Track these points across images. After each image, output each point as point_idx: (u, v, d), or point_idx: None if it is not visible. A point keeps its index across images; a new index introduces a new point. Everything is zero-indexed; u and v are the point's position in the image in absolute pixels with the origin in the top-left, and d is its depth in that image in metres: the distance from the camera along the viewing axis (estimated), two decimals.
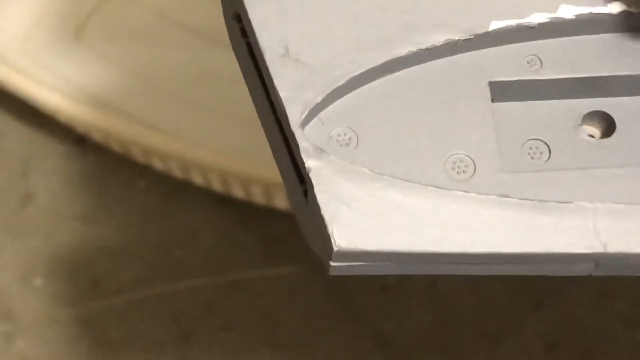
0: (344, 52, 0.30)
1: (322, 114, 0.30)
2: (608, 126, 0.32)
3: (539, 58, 0.32)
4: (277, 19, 0.30)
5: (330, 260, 0.29)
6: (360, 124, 0.30)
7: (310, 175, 0.29)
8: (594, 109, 0.32)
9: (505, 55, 0.32)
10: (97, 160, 0.74)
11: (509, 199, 0.30)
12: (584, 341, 0.62)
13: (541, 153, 0.31)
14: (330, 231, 0.29)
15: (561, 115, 0.32)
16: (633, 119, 0.32)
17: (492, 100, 0.32)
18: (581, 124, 0.32)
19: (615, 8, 0.32)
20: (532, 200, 0.30)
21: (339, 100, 0.30)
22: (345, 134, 0.30)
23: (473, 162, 0.30)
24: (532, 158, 0.31)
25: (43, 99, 0.69)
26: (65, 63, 0.71)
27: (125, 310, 0.72)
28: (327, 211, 0.29)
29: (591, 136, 0.32)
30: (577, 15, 0.31)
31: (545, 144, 0.32)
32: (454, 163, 0.30)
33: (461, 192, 0.30)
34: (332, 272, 0.29)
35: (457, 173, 0.30)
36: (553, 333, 0.63)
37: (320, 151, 0.29)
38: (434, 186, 0.30)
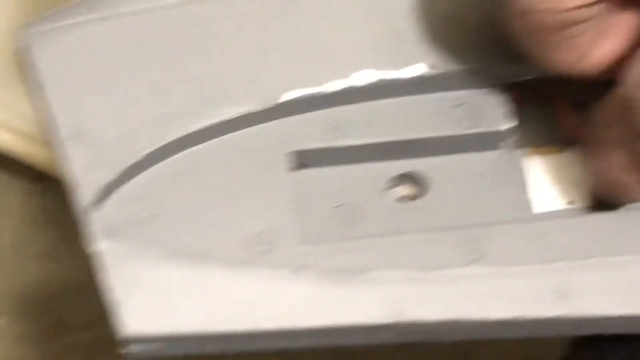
0: (139, 129, 0.30)
1: (119, 191, 0.30)
2: (418, 187, 0.32)
3: (342, 124, 0.31)
4: (72, 99, 0.31)
5: (121, 345, 0.29)
6: (159, 201, 0.30)
7: (101, 259, 0.29)
8: (404, 170, 0.32)
9: (307, 123, 0.31)
10: (58, 196, 0.75)
11: (306, 271, 0.29)
12: None
13: (351, 217, 0.31)
14: (118, 316, 0.29)
15: (371, 179, 0.32)
16: (441, 179, 0.32)
17: (298, 168, 0.32)
18: (391, 187, 0.32)
19: (409, 73, 0.31)
20: (330, 270, 0.30)
21: (137, 178, 0.30)
22: (144, 211, 0.30)
23: (273, 234, 0.30)
24: (340, 224, 0.31)
25: None
26: (19, 99, 0.71)
27: (92, 346, 0.72)
28: (116, 294, 0.29)
29: (403, 198, 0.32)
30: (372, 82, 0.31)
31: (355, 208, 0.31)
32: (255, 236, 0.30)
33: (258, 267, 0.29)
34: (130, 357, 0.29)
35: (258, 246, 0.30)
36: None
37: (111, 233, 0.29)
38: (231, 262, 0.29)
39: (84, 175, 0.30)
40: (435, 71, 0.31)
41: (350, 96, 0.31)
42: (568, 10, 0.27)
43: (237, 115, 0.31)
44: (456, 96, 0.32)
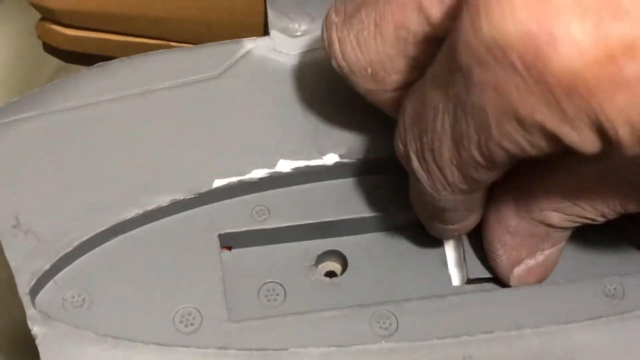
0: (71, 219, 0.32)
1: (58, 277, 0.32)
2: (342, 263, 0.34)
3: (267, 207, 0.33)
4: (10, 190, 0.33)
5: None
6: (94, 285, 0.32)
7: (37, 341, 0.31)
8: (327, 248, 0.34)
9: (233, 208, 0.33)
10: None
11: (227, 350, 0.31)
12: None
13: (277, 295, 0.33)
14: None
15: (297, 257, 0.34)
16: (364, 256, 0.34)
17: (229, 249, 0.34)
18: (316, 264, 0.34)
19: (330, 160, 0.33)
20: (251, 350, 0.31)
21: (74, 263, 0.32)
22: (79, 295, 0.32)
23: (200, 314, 0.32)
24: (268, 301, 0.33)
25: None
26: None
27: None
28: None
29: (328, 274, 0.34)
30: (295, 169, 0.33)
31: (281, 286, 0.33)
32: (182, 316, 0.32)
33: (183, 348, 0.31)
34: None
35: (185, 326, 0.32)
36: None
37: (47, 317, 0.31)
38: (157, 343, 0.31)
39: (22, 264, 0.32)
40: (352, 159, 0.33)
41: (275, 182, 0.33)
42: (393, 90, 0.30)
43: (167, 204, 0.33)
44: (374, 179, 0.34)
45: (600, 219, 0.30)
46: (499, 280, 0.33)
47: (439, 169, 0.28)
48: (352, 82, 0.30)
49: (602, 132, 0.24)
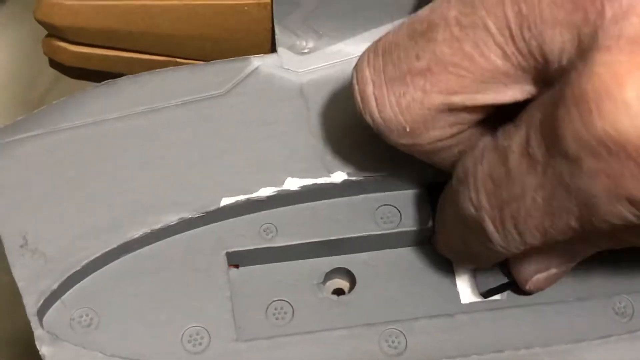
0: (79, 238, 0.32)
1: (65, 297, 0.32)
2: (350, 281, 0.34)
3: (274, 225, 0.33)
4: (18, 210, 0.32)
5: None
6: (102, 305, 0.32)
7: None
8: (335, 266, 0.34)
9: (241, 226, 0.33)
10: None
11: None
12: None
13: (285, 313, 0.33)
14: None
15: (304, 275, 0.34)
16: (371, 274, 0.34)
17: (237, 267, 0.34)
18: (324, 282, 0.34)
19: (338, 177, 0.33)
20: None
21: (81, 283, 0.32)
22: (87, 315, 0.32)
23: (208, 333, 0.32)
24: (276, 319, 0.33)
25: None
26: None
27: None
28: None
29: (336, 291, 0.34)
30: (302, 187, 0.33)
31: (289, 304, 0.33)
32: (190, 336, 0.32)
33: None
34: None
35: (193, 346, 0.32)
36: None
37: (54, 338, 0.31)
38: None
39: (29, 284, 0.32)
40: (359, 176, 0.33)
41: (280, 200, 0.33)
42: (430, 144, 0.29)
43: (174, 222, 0.32)
44: (381, 197, 0.34)
45: None
46: (511, 285, 0.33)
47: (518, 234, 0.28)
48: (386, 137, 0.29)
49: None
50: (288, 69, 0.35)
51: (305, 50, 0.35)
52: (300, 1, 0.34)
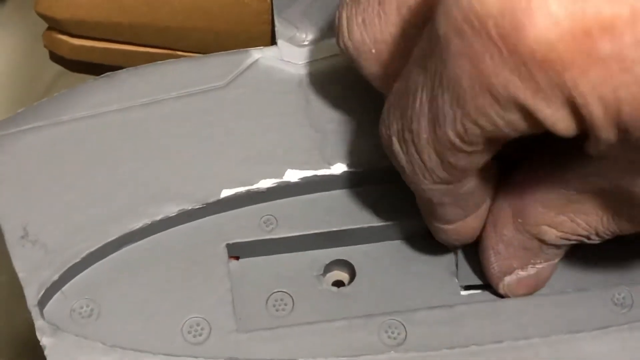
0: (79, 229, 0.32)
1: (66, 288, 0.32)
2: (350, 273, 0.34)
3: (275, 217, 0.33)
4: (18, 201, 0.33)
5: None
6: (102, 296, 0.32)
7: (45, 352, 0.31)
8: (336, 257, 0.34)
9: (241, 218, 0.33)
10: None
11: None
12: None
13: (285, 304, 0.33)
14: None
15: (304, 266, 0.34)
16: (372, 265, 0.34)
17: (237, 259, 0.34)
18: (324, 274, 0.34)
19: (338, 169, 0.33)
20: None
21: (81, 274, 0.32)
22: (87, 306, 0.32)
23: (209, 324, 0.32)
24: (276, 310, 0.33)
25: None
26: None
27: None
28: None
29: (336, 283, 0.34)
30: (302, 178, 0.33)
31: (289, 295, 0.33)
32: (191, 327, 0.32)
33: (191, 358, 0.31)
34: None
35: (193, 337, 0.32)
36: None
37: (55, 328, 0.31)
38: (166, 354, 0.31)
39: (30, 275, 0.32)
40: (359, 168, 0.33)
41: (282, 192, 0.33)
42: (396, 76, 0.29)
43: (174, 214, 0.33)
44: (381, 188, 0.34)
45: (595, 238, 0.30)
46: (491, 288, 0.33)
47: (417, 152, 0.28)
48: (358, 64, 0.30)
49: (575, 110, 0.23)
50: (288, 61, 0.35)
51: (305, 43, 0.35)
52: None
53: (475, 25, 0.23)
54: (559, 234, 0.31)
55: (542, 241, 0.31)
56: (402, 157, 0.28)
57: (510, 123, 0.25)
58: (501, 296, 0.33)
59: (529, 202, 0.31)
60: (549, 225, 0.31)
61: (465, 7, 0.23)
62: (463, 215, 0.31)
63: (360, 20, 0.29)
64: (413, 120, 0.27)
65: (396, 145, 0.28)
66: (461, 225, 0.31)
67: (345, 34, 0.29)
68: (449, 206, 0.30)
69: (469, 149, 0.26)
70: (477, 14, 0.23)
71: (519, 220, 0.31)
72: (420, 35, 0.27)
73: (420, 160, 0.28)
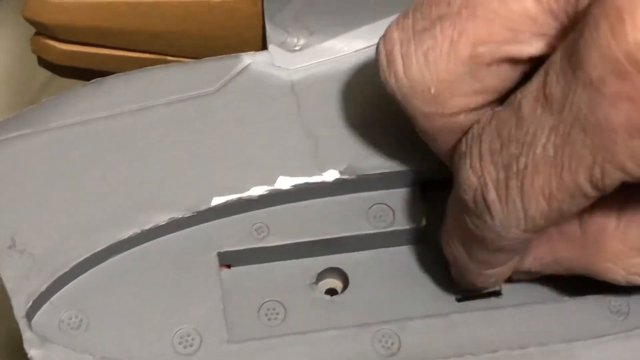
0: (68, 239, 0.32)
1: (54, 298, 0.32)
2: (343, 281, 0.34)
3: (266, 225, 0.33)
4: (6, 210, 0.32)
5: None
6: (91, 306, 0.32)
7: None
8: (328, 265, 0.33)
9: (233, 226, 0.33)
10: None
11: None
12: None
13: (277, 314, 0.33)
14: None
15: (297, 275, 0.33)
16: (365, 273, 0.33)
17: (228, 267, 0.33)
18: (317, 282, 0.33)
19: (330, 176, 0.33)
20: None
21: (71, 284, 0.32)
22: (76, 317, 0.32)
23: (200, 335, 0.32)
24: (268, 319, 0.33)
25: None
26: None
27: None
28: None
29: (329, 291, 0.34)
30: (294, 186, 0.33)
31: (281, 304, 0.33)
32: (181, 337, 0.31)
33: None
34: None
35: (184, 347, 0.31)
36: None
37: (44, 340, 0.31)
38: None
39: (19, 285, 0.31)
40: (352, 175, 0.33)
41: (274, 199, 0.33)
42: (452, 114, 0.28)
43: (164, 222, 0.32)
44: (374, 195, 0.33)
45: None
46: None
47: (522, 201, 0.26)
48: (409, 103, 0.28)
49: None
50: (279, 67, 0.34)
51: (297, 48, 0.35)
52: None
53: None
54: (629, 276, 0.30)
55: (596, 270, 0.30)
56: (496, 207, 0.27)
57: None
58: (496, 305, 0.33)
59: (606, 236, 0.30)
60: (618, 265, 0.30)
61: (631, 45, 0.22)
62: (508, 259, 0.30)
63: (422, 59, 0.27)
64: (528, 167, 0.26)
65: (492, 195, 0.27)
66: (504, 269, 0.31)
67: (401, 71, 0.28)
68: (512, 252, 0.29)
69: (596, 194, 0.25)
70: None
71: (590, 249, 0.30)
72: (495, 76, 0.27)
73: (522, 209, 0.26)
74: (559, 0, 0.25)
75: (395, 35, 0.28)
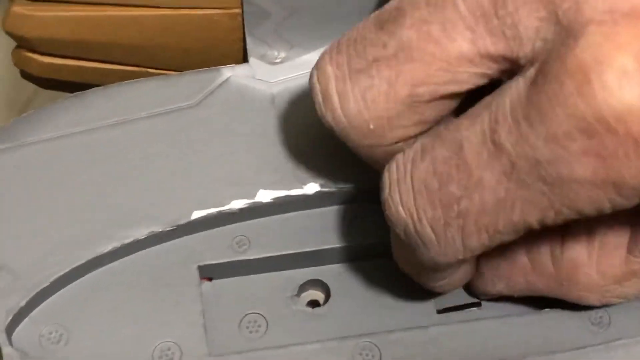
0: (47, 254, 0.32)
1: (34, 313, 0.32)
2: (324, 293, 0.34)
3: (247, 238, 0.33)
4: None
5: None
6: (72, 321, 0.32)
7: None
8: (310, 277, 0.33)
9: (214, 238, 0.33)
10: None
11: None
12: None
13: (259, 326, 0.33)
14: None
15: (278, 287, 0.33)
16: (344, 284, 0.33)
17: (209, 280, 0.33)
18: (298, 294, 0.33)
19: (311, 189, 0.33)
20: None
21: (50, 299, 0.32)
22: (56, 331, 0.32)
23: (180, 349, 0.31)
24: (250, 332, 0.33)
25: None
26: None
27: None
28: None
29: (312, 302, 0.34)
30: (275, 198, 0.33)
31: (263, 317, 0.33)
32: (162, 351, 0.31)
33: None
34: None
35: None
36: None
37: (24, 355, 0.31)
38: None
39: None
40: (332, 187, 0.33)
41: (252, 212, 0.33)
42: (391, 144, 0.28)
43: (144, 236, 0.32)
44: (355, 208, 0.33)
45: None
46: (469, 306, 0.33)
47: (461, 237, 0.26)
48: (347, 137, 0.28)
49: None
50: (260, 79, 0.34)
51: (277, 60, 0.35)
52: (271, 11, 0.34)
53: (611, 125, 0.22)
54: (604, 300, 0.30)
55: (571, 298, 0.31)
56: (432, 240, 0.27)
57: (621, 205, 0.24)
58: (476, 317, 0.33)
59: (580, 270, 0.30)
60: (592, 292, 0.30)
61: (601, 107, 0.22)
62: (454, 271, 0.30)
63: (359, 97, 0.27)
64: (472, 207, 0.25)
65: (427, 230, 0.26)
66: (454, 277, 0.30)
67: (338, 109, 0.27)
68: (449, 268, 0.29)
69: (539, 227, 0.25)
70: (616, 113, 0.22)
71: (564, 282, 0.30)
72: (435, 110, 0.27)
73: (461, 245, 0.26)
74: (496, 45, 0.25)
75: (329, 70, 0.28)
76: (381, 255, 0.34)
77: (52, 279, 0.31)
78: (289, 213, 0.33)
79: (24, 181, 0.33)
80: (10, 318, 0.31)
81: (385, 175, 0.27)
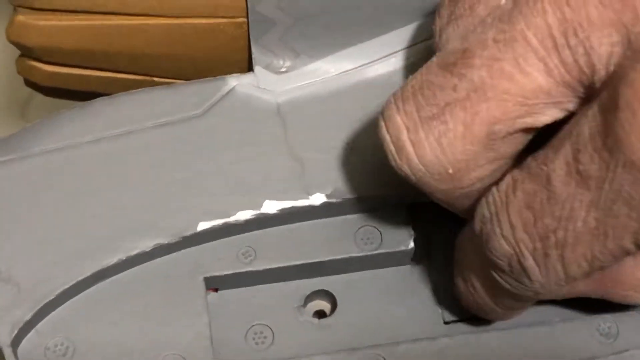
0: (53, 266, 0.31)
1: (40, 326, 0.32)
2: (331, 303, 0.33)
3: (253, 249, 0.33)
4: None
5: None
6: (77, 333, 0.32)
7: None
8: (316, 288, 0.33)
9: (219, 250, 0.33)
10: None
11: None
12: None
13: (265, 337, 0.32)
14: None
15: (285, 298, 0.33)
16: (351, 294, 0.33)
17: (215, 291, 0.33)
18: (304, 304, 0.33)
19: (317, 199, 0.33)
20: None
21: (56, 312, 0.32)
22: (62, 344, 0.31)
23: None
24: (256, 344, 0.32)
25: None
26: None
27: None
28: None
29: (318, 313, 0.33)
30: (281, 209, 0.32)
31: (269, 328, 0.33)
32: None
33: None
34: None
35: None
36: None
37: None
38: None
39: (3, 314, 0.31)
40: (339, 198, 0.33)
41: (258, 223, 0.32)
42: (469, 186, 0.28)
43: (150, 248, 0.32)
44: (362, 218, 0.33)
45: None
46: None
47: (562, 266, 0.26)
48: (425, 184, 0.28)
49: None
50: (265, 89, 0.34)
51: (283, 69, 0.34)
52: (276, 20, 0.34)
53: None
54: None
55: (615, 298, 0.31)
56: (535, 272, 0.27)
57: None
58: (484, 328, 0.32)
59: (624, 271, 0.30)
60: (637, 291, 0.30)
61: None
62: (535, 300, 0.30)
63: (434, 143, 0.27)
64: (568, 237, 0.25)
65: (530, 262, 0.27)
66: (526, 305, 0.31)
67: (414, 158, 0.27)
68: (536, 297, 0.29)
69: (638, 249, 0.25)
70: None
71: (609, 283, 0.30)
72: (512, 146, 0.27)
73: (563, 273, 0.27)
74: (571, 72, 0.25)
75: (399, 120, 0.27)
76: (388, 265, 0.33)
77: (57, 291, 0.31)
78: (295, 223, 0.33)
79: (30, 192, 0.32)
80: (16, 331, 0.31)
81: (484, 209, 0.28)
